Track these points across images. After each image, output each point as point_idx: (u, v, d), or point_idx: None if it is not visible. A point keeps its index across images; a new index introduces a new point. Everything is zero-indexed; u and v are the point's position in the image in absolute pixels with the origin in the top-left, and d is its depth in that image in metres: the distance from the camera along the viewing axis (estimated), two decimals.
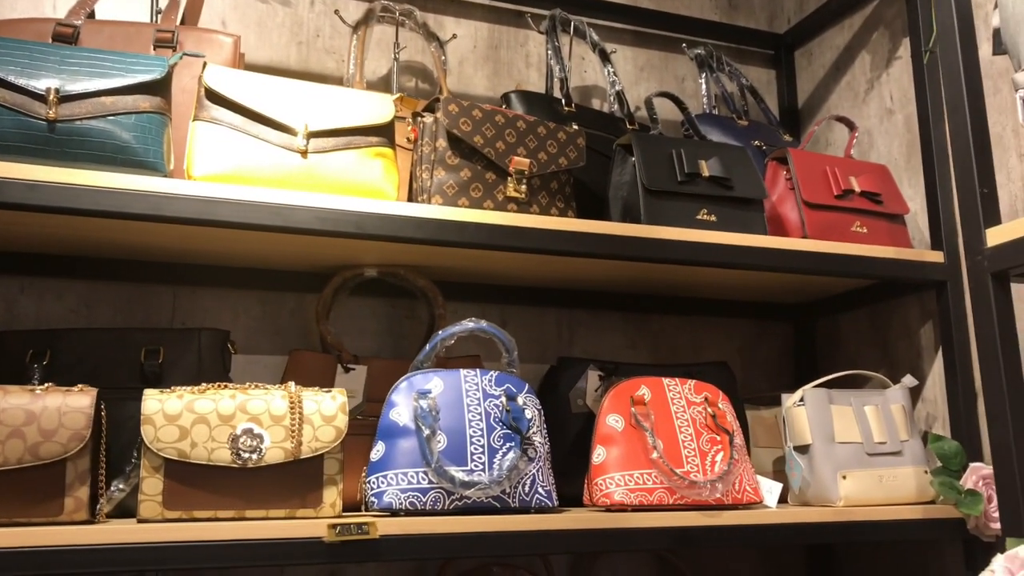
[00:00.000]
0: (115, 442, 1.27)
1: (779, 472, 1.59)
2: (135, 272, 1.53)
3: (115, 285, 1.55)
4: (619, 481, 1.34)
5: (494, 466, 1.26)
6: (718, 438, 1.40)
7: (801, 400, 1.49)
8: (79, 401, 1.13)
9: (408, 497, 1.22)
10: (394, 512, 1.22)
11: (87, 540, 1.07)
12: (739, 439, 1.42)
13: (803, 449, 1.47)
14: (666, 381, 1.44)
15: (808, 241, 1.51)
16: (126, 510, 1.23)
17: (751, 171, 1.54)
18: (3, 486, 1.08)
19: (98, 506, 1.16)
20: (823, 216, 1.54)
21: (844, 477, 1.43)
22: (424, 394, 1.28)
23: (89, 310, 1.53)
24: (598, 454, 1.37)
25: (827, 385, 1.51)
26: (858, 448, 1.46)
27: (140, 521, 1.14)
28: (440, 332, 1.34)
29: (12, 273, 1.49)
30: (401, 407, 1.28)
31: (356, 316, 1.67)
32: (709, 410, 1.42)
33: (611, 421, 1.39)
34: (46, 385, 1.13)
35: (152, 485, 1.15)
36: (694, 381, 1.45)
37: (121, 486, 1.24)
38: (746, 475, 1.40)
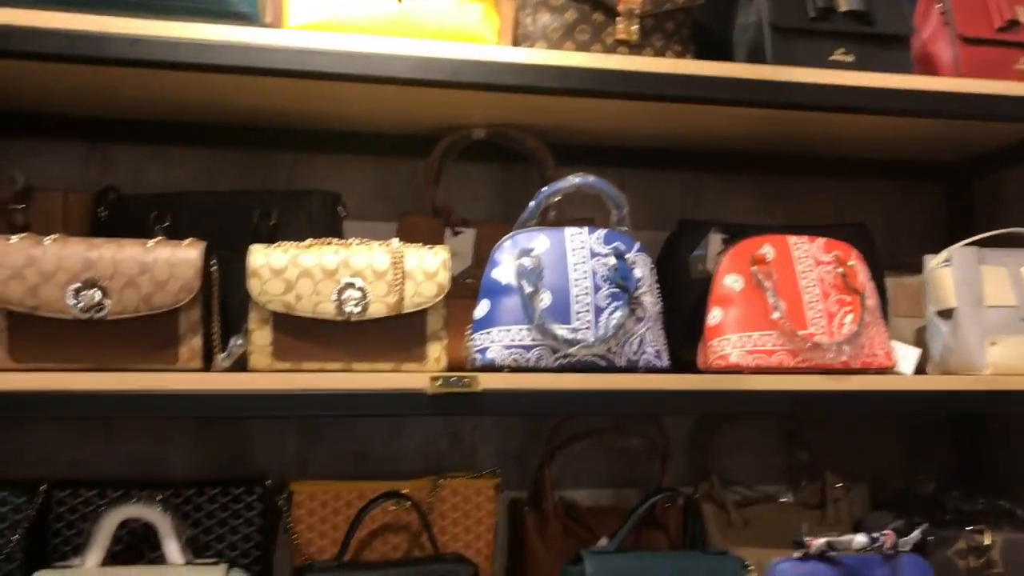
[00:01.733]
0: (233, 301, 1.30)
1: (921, 344, 1.47)
2: (254, 139, 1.55)
3: (235, 152, 1.57)
4: (736, 343, 1.26)
5: (600, 325, 1.21)
6: (848, 299, 1.30)
7: (947, 260, 1.35)
8: (188, 253, 1.16)
9: (511, 354, 1.20)
10: (497, 368, 1.20)
11: (201, 386, 1.11)
12: (872, 300, 1.30)
13: (946, 314, 1.34)
14: (792, 239, 1.33)
15: (962, 80, 1.34)
16: (245, 367, 1.28)
17: (895, 3, 1.36)
18: (122, 334, 1.13)
19: (218, 359, 1.20)
20: (981, 52, 1.36)
21: (993, 344, 1.30)
22: (527, 252, 1.24)
23: (211, 177, 1.56)
24: (713, 315, 1.30)
25: (980, 244, 1.36)
26: (1011, 313, 1.32)
27: (251, 371, 1.17)
28: (545, 188, 1.28)
29: (139, 142, 1.54)
30: (504, 265, 1.25)
31: (466, 182, 1.63)
32: (839, 269, 1.31)
33: (729, 281, 1.30)
34: (157, 238, 1.17)
35: (261, 337, 1.18)
36: (824, 239, 1.34)
37: (240, 342, 1.28)
38: (878, 339, 1.29)
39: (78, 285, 1.11)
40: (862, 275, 1.32)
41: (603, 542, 1.32)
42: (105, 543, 1.17)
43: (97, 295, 1.11)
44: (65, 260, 1.12)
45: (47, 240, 1.13)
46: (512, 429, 1.63)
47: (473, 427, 1.62)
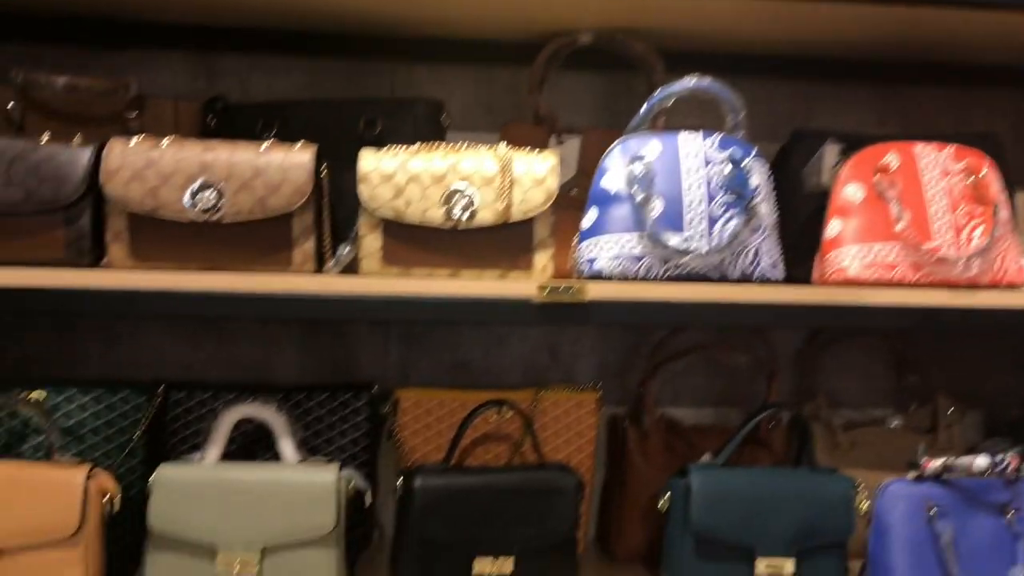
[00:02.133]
0: (339, 210, 1.31)
1: None
2: (356, 48, 1.54)
3: (337, 62, 1.56)
4: (855, 255, 1.21)
5: (713, 234, 1.17)
6: (978, 211, 1.22)
7: None
8: (300, 157, 1.16)
9: (620, 264, 1.18)
10: (605, 278, 1.18)
11: (313, 288, 1.13)
12: (1005, 212, 1.23)
13: None
14: (918, 147, 1.26)
15: None
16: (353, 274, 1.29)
17: None
18: (237, 238, 1.15)
19: (328, 264, 1.21)
20: None
21: None
22: (638, 158, 1.20)
23: (313, 87, 1.56)
24: (832, 227, 1.24)
25: None
26: None
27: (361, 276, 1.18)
28: (658, 91, 1.23)
29: (243, 51, 1.54)
30: (614, 172, 1.21)
31: (571, 91, 1.59)
32: (969, 179, 1.23)
33: (849, 191, 1.24)
34: (270, 142, 1.17)
35: (371, 242, 1.18)
36: (954, 146, 1.26)
37: (347, 249, 1.28)
38: (1010, 253, 1.22)
39: (195, 187, 1.13)
40: (995, 186, 1.24)
41: (706, 458, 1.30)
42: (223, 440, 1.22)
43: (213, 197, 1.13)
44: (182, 162, 1.13)
45: (164, 143, 1.15)
46: (612, 345, 1.62)
47: (573, 342, 1.61)
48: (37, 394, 1.25)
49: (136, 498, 1.27)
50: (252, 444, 1.35)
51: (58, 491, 1.12)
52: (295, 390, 1.40)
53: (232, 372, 1.55)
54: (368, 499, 1.23)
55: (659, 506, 1.26)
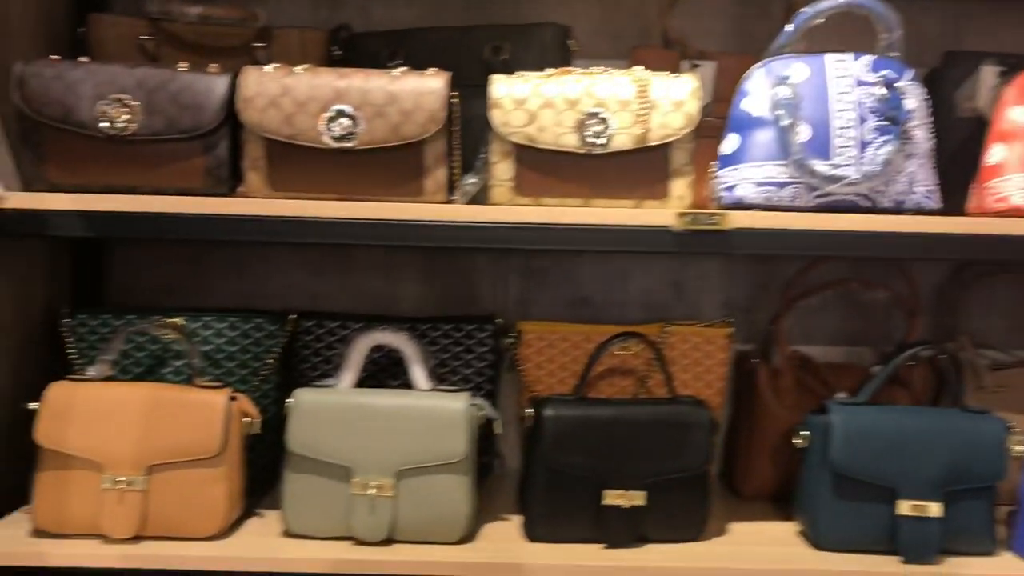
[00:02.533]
0: (464, 138, 1.29)
1: None
2: None
3: None
4: (1019, 184, 1.13)
5: (864, 160, 1.11)
6: None
7: None
8: (433, 83, 1.14)
9: (763, 191, 1.13)
10: (746, 207, 1.13)
11: (444, 216, 1.12)
12: None
13: None
14: None
15: None
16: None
17: None
18: (370, 166, 1.14)
19: (456, 194, 1.20)
20: None
21: None
22: (783, 80, 1.14)
23: (435, 15, 1.53)
24: (993, 154, 1.16)
25: None
26: None
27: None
28: (806, 9, 1.16)
29: None
30: (756, 95, 1.15)
31: (699, 16, 1.51)
32: None
33: (1015, 115, 1.15)
34: (402, 68, 1.15)
35: (503, 170, 1.16)
36: None
37: (473, 180, 1.27)
38: None
39: (330, 114, 1.12)
40: None
41: (841, 397, 1.25)
42: (358, 366, 1.23)
43: (348, 124, 1.12)
44: (317, 89, 1.13)
45: (298, 70, 1.14)
46: (739, 281, 1.57)
47: (698, 277, 1.57)
48: (178, 320, 1.29)
49: (270, 421, 1.30)
50: (379, 373, 1.37)
51: (202, 413, 1.16)
52: (420, 321, 1.41)
53: (356, 303, 1.56)
54: (498, 428, 1.22)
55: (795, 444, 1.22)
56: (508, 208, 1.13)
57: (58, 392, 1.16)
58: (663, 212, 1.10)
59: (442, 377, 1.38)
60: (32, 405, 1.18)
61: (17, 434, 1.31)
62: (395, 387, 1.32)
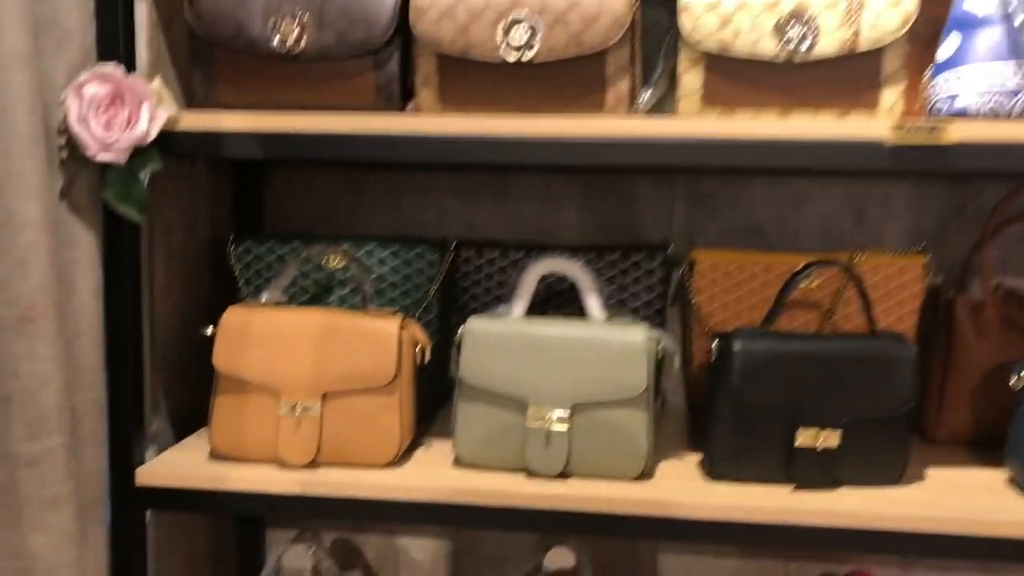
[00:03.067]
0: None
1: None
2: None
3: None
4: None
5: None
6: None
7: None
8: None
9: (990, 99, 1.00)
10: (970, 116, 1.01)
11: (627, 132, 1.03)
12: None
13: None
14: None
15: None
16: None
17: None
18: (548, 78, 1.07)
19: (634, 109, 1.12)
20: None
21: None
22: None
23: None
24: None
25: None
26: None
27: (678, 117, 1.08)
28: None
29: None
30: None
31: None
32: None
33: None
34: None
35: (691, 80, 1.07)
36: None
37: (649, 92, 1.18)
38: None
39: (506, 23, 1.05)
40: None
41: None
42: (529, 294, 1.18)
43: (526, 33, 1.05)
44: None
45: None
46: (929, 206, 1.43)
47: (882, 202, 1.44)
48: (346, 248, 1.26)
49: (432, 350, 1.27)
50: (543, 304, 1.31)
51: (375, 340, 1.13)
52: (584, 249, 1.34)
53: (512, 232, 1.51)
54: (676, 363, 1.15)
55: (1011, 384, 1.11)
56: (693, 121, 1.04)
57: (235, 317, 1.16)
58: (875, 124, 0.99)
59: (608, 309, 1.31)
60: (209, 330, 1.18)
61: (192, 359, 1.32)
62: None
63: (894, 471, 1.12)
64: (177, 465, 1.17)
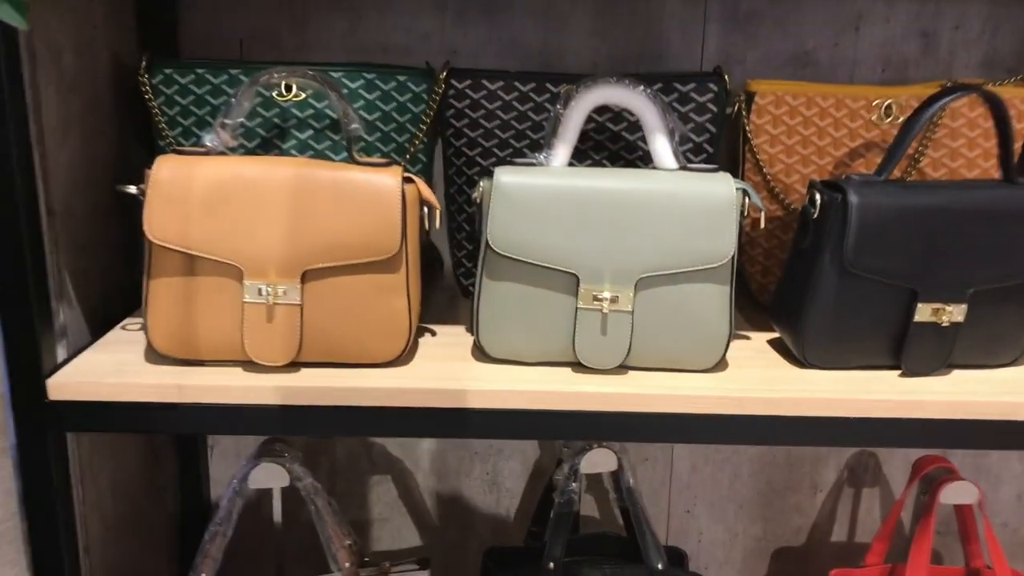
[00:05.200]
0: None
1: None
2: None
3: None
4: None
5: None
6: None
7: None
8: None
9: None
10: None
11: None
12: None
13: None
14: None
15: None
16: None
17: None
18: None
19: None
20: None
21: None
22: None
23: None
24: None
25: None
26: None
27: None
28: None
29: None
30: None
31: None
32: None
33: None
34: None
35: None
36: None
37: None
38: None
39: None
40: None
41: None
42: (574, 136, 0.89)
43: None
44: None
45: None
46: (1007, 31, 1.20)
47: (954, 26, 1.20)
48: (311, 72, 0.93)
49: None
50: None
51: (372, 200, 0.83)
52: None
53: (508, 60, 1.20)
54: (762, 222, 0.91)
55: None
56: None
57: (170, 169, 0.83)
58: None
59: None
60: (130, 188, 0.85)
61: (105, 227, 0.99)
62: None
63: (1014, 349, 0.92)
64: (103, 371, 0.86)
